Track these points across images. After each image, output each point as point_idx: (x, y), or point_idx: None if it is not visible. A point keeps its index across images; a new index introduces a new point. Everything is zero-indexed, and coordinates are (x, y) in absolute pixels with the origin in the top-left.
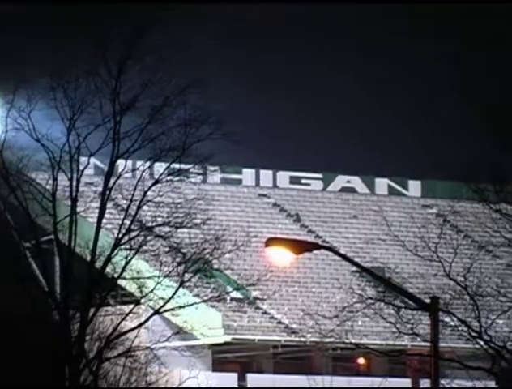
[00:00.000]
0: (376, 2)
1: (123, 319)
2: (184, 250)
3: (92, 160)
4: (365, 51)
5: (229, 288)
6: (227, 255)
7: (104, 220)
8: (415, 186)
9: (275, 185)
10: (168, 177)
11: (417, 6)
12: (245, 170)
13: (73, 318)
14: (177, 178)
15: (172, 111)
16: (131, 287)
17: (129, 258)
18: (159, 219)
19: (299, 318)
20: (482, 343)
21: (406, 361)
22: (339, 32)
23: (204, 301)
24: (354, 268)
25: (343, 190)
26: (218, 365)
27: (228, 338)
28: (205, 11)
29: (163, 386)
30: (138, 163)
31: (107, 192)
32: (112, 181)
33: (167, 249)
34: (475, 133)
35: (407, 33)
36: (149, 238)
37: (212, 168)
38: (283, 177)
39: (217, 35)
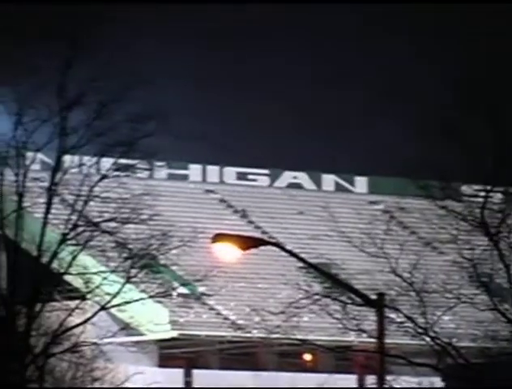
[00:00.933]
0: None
1: (69, 315)
2: (130, 246)
3: (39, 155)
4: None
5: (176, 284)
6: (173, 251)
7: (50, 216)
8: (361, 183)
9: (221, 181)
10: (115, 173)
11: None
12: (191, 166)
13: (19, 314)
14: (123, 174)
15: (120, 107)
16: (78, 282)
17: (75, 253)
18: (105, 214)
19: (245, 314)
20: (428, 339)
21: (352, 357)
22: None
23: (151, 296)
24: (300, 264)
25: (290, 186)
26: (164, 361)
27: (174, 334)
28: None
29: (107, 386)
30: (85, 158)
31: (53, 187)
32: (58, 176)
33: (113, 244)
34: (423, 130)
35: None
36: (95, 234)
37: (159, 163)
38: (230, 172)
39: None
